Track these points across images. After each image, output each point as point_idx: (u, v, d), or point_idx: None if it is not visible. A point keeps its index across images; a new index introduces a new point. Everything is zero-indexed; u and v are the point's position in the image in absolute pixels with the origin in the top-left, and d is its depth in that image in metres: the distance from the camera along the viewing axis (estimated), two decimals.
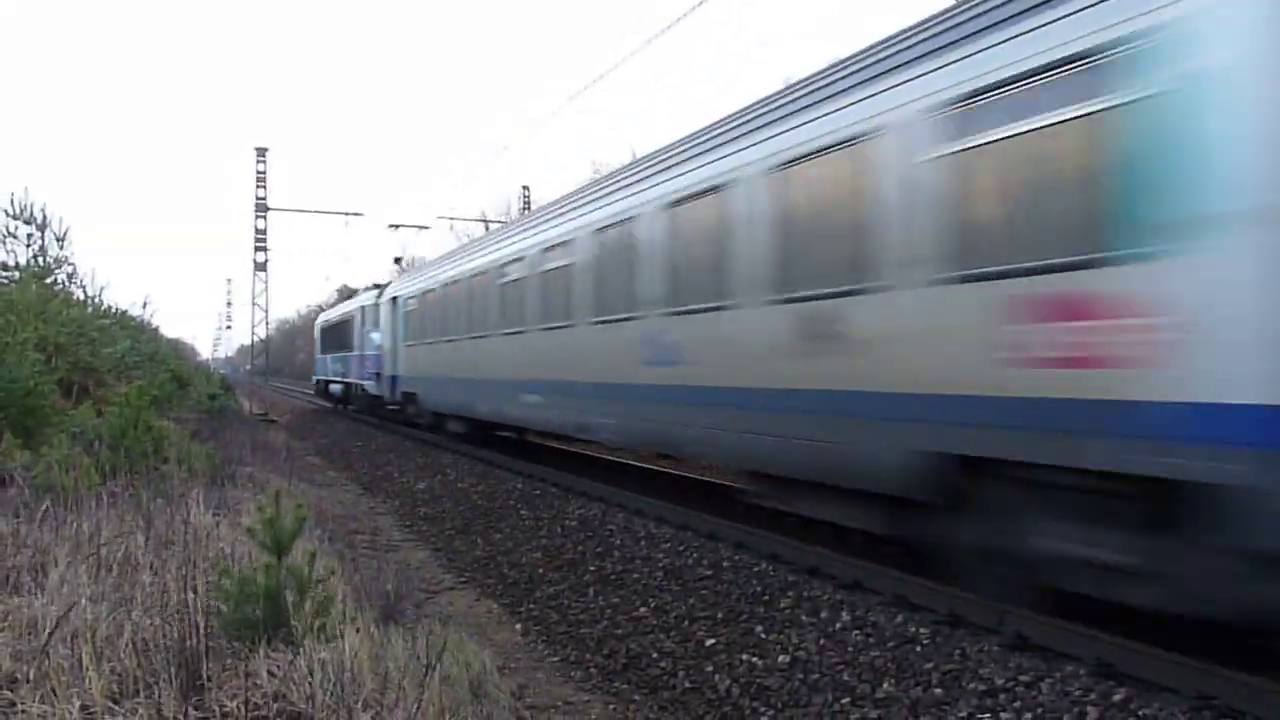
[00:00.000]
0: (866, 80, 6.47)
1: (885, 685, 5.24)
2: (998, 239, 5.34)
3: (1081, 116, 4.77)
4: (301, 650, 4.19)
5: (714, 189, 8.09)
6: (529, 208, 41.09)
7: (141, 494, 7.64)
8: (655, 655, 6.38)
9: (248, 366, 52.58)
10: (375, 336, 23.42)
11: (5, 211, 16.19)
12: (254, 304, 37.64)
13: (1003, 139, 5.25)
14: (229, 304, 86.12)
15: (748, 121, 7.99)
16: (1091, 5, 4.76)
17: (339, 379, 29.11)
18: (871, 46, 6.81)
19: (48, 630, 4.26)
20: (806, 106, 7.14)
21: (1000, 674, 4.99)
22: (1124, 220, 4.57)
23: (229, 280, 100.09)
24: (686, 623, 6.78)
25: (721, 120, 8.65)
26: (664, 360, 8.88)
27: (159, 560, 5.60)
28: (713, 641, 6.35)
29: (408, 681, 3.99)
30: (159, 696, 3.74)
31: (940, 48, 5.82)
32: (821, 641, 5.96)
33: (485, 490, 12.97)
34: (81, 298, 18.66)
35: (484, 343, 14.90)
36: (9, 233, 16.24)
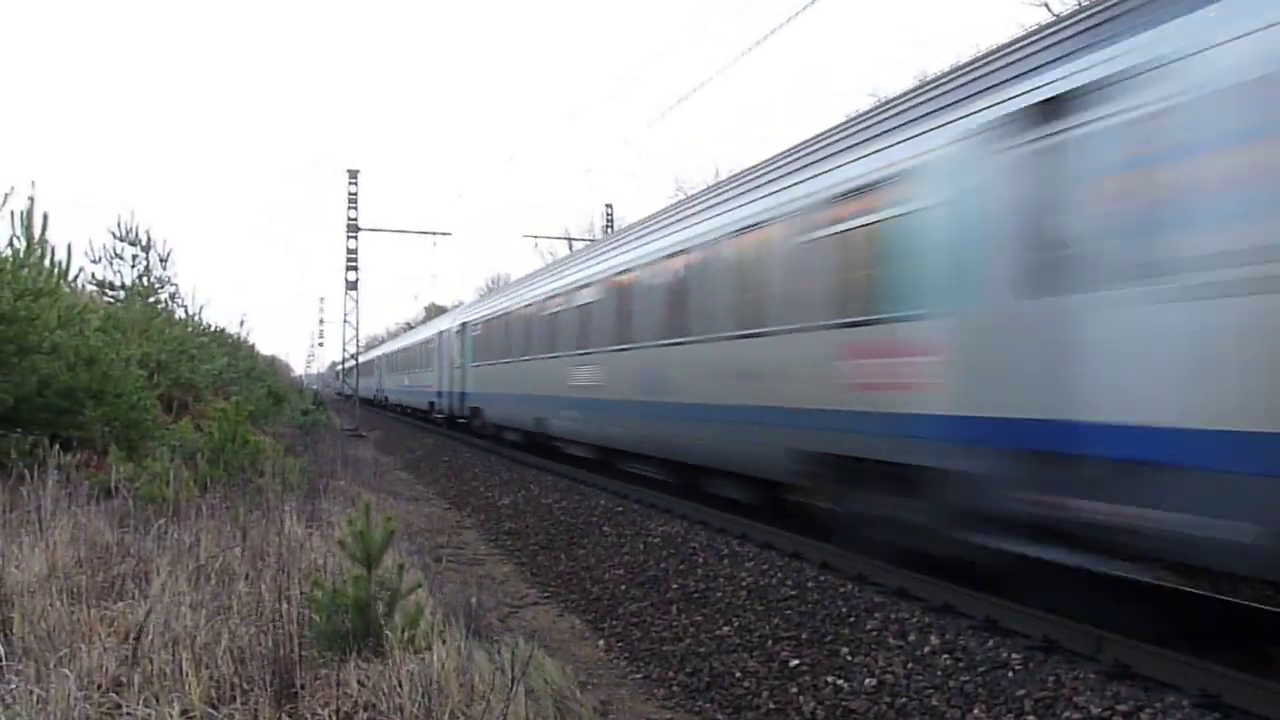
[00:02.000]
0: (757, 186, 9.04)
1: (975, 711, 5.11)
2: (834, 302, 7.52)
3: (867, 225, 7.01)
4: (390, 661, 4.29)
5: (678, 253, 10.78)
6: (612, 226, 41.55)
7: (238, 506, 7.89)
8: (738, 675, 6.34)
9: (338, 382, 54.13)
10: (448, 358, 26.09)
11: (112, 234, 17.01)
12: (345, 321, 38.62)
13: (832, 234, 7.48)
14: (321, 322, 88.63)
15: (690, 208, 11.17)
16: (860, 158, 7.13)
17: (412, 393, 32.15)
18: (759, 164, 9.71)
19: (150, 636, 4.44)
20: (717, 204, 10.07)
21: (1097, 702, 4.83)
22: (894, 294, 6.68)
23: (322, 299, 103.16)
24: (770, 643, 6.72)
25: (672, 206, 12.37)
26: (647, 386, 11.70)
27: (255, 570, 5.78)
28: (797, 662, 6.29)
29: (493, 695, 4.04)
30: (254, 703, 3.86)
31: (804, 166, 8.27)
32: (909, 665, 5.85)
33: (569, 506, 13.07)
34: (182, 316, 19.46)
35: (529, 365, 17.51)
36: (115, 254, 17.04)
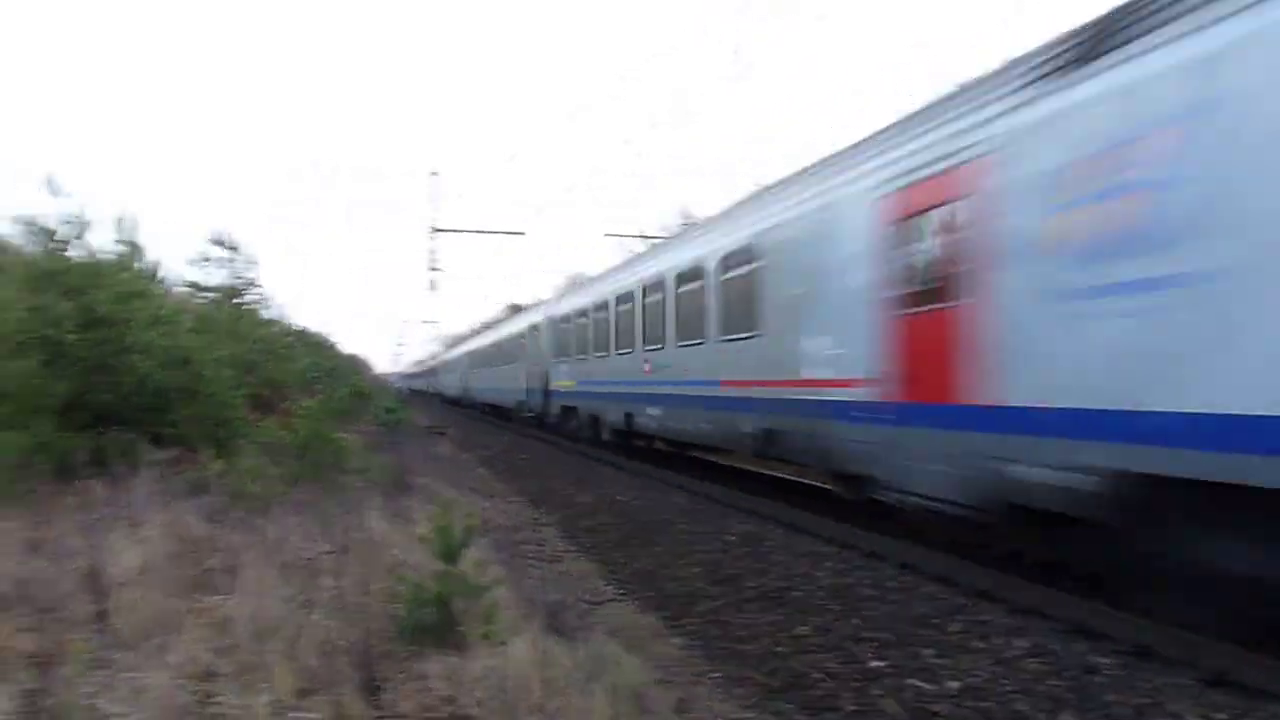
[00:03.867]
0: (691, 242, 13.26)
1: (1064, 717, 4.98)
2: (734, 322, 11.13)
3: (746, 274, 10.27)
4: (471, 656, 4.34)
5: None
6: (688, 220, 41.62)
7: (324, 502, 8.08)
8: (818, 676, 6.27)
9: (419, 381, 55.24)
10: (528, 352, 26.92)
11: (204, 237, 17.66)
12: (426, 321, 39.35)
13: (725, 280, 11.03)
14: (403, 321, 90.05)
15: (649, 253, 16.81)
16: (738, 233, 10.74)
17: (495, 389, 33.13)
18: (683, 230, 16.49)
19: (239, 628, 4.57)
20: (664, 253, 15.08)
21: (1193, 711, 4.66)
22: (759, 318, 10.26)
23: (402, 300, 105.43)
24: (850, 644, 6.64)
25: (636, 255, 18.71)
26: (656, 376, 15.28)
27: (339, 565, 5.91)
28: (878, 664, 6.20)
29: (572, 691, 4.07)
30: (340, 695, 3.94)
31: (724, 233, 12.13)
32: (995, 668, 5.73)
33: (645, 504, 13.08)
34: (269, 317, 20.01)
35: (591, 361, 19.53)
36: (207, 256, 17.63)
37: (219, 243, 17.69)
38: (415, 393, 55.42)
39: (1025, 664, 5.69)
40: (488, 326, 28.80)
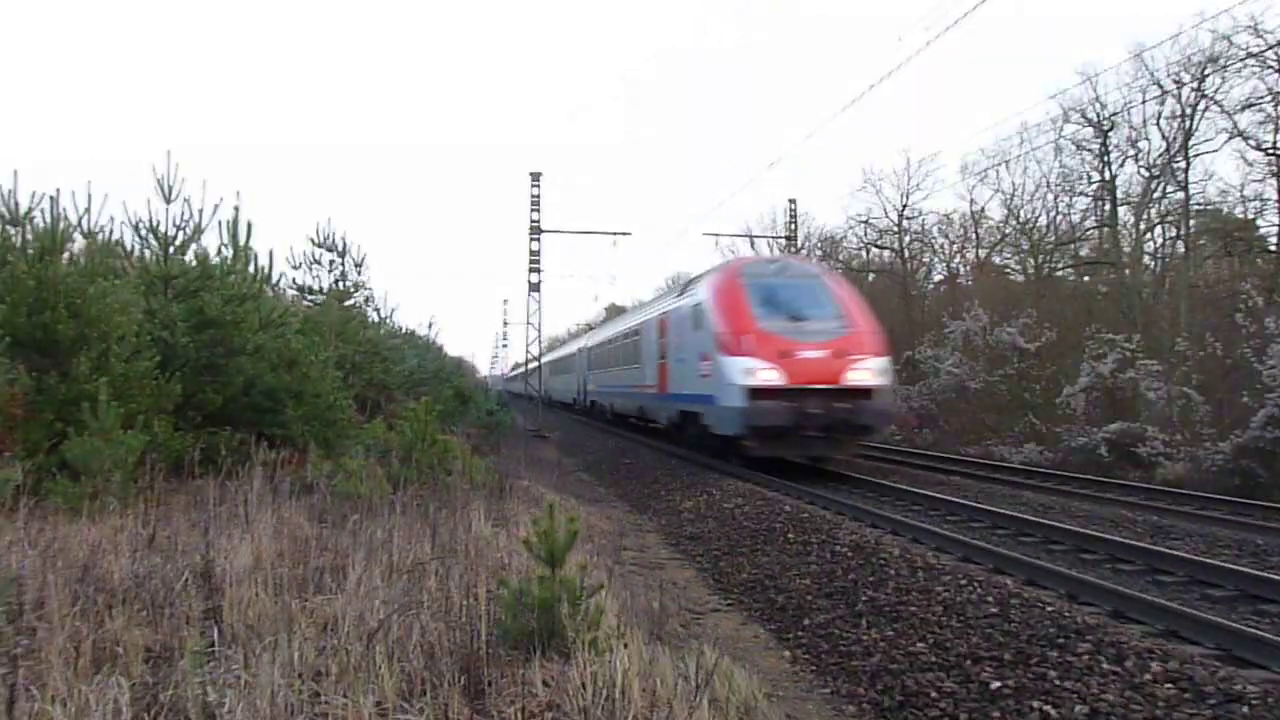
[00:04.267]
0: (620, 322, 26.81)
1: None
2: (624, 360, 24.27)
3: (632, 340, 22.45)
4: (574, 662, 4.34)
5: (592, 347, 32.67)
6: (794, 221, 41.27)
7: (428, 504, 8.22)
8: (934, 695, 6.10)
9: (516, 384, 57.03)
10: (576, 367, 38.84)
11: (311, 240, 18.09)
12: (528, 323, 39.78)
13: (626, 342, 23.30)
14: (505, 323, 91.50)
15: (607, 323, 33.41)
16: (630, 322, 24.02)
17: (562, 391, 44.54)
18: (600, 322, 37.55)
19: (346, 628, 4.67)
20: (610, 326, 31.51)
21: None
22: (637, 361, 22.30)
23: (505, 300, 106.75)
24: (969, 662, 6.44)
25: (586, 329, 40.64)
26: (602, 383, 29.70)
27: (444, 567, 6.00)
28: (999, 685, 5.99)
29: (677, 702, 4.03)
30: (444, 698, 3.99)
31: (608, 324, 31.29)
32: (1126, 693, 5.47)
33: (752, 511, 12.98)
34: (375, 319, 20.48)
35: (598, 374, 32.10)
36: (314, 259, 18.11)
37: (326, 245, 18.20)
38: (515, 395, 57.59)
39: (1161, 689, 5.42)
40: (556, 347, 34.40)
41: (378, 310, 20.73)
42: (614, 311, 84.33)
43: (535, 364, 42.68)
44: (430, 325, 28.47)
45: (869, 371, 15.15)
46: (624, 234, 38.34)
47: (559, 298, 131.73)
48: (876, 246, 43.53)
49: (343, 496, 8.38)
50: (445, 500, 8.70)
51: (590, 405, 32.71)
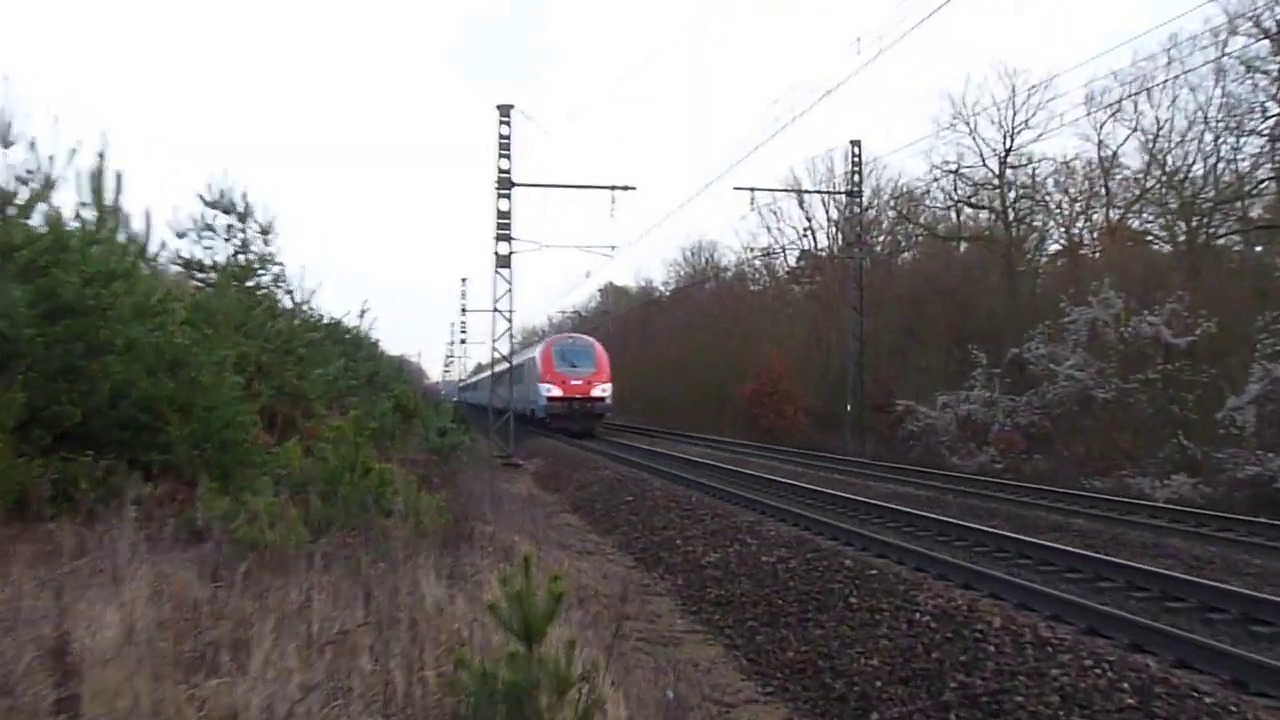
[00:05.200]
0: (508, 360, 44.67)
1: None
2: (514, 383, 46.39)
3: (519, 371, 47.29)
4: None
5: (484, 378, 63.28)
6: (858, 170, 41.34)
7: (360, 555, 8.23)
8: None
9: (483, 393, 63.36)
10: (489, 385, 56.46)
11: (201, 198, 17.83)
12: (494, 309, 39.81)
13: (512, 371, 45.14)
14: (464, 310, 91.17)
15: (490, 365, 57.16)
16: (508, 364, 44.82)
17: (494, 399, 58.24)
18: (494, 361, 51.96)
19: None
20: (493, 365, 55.35)
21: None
22: (519, 384, 48.10)
23: (464, 280, 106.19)
24: None
25: (489, 363, 60.33)
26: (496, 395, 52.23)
27: (381, 641, 6.01)
28: None
29: None
30: None
31: (493, 367, 52.85)
32: None
33: (799, 566, 12.99)
34: (289, 305, 20.33)
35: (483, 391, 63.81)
36: (205, 224, 17.87)
37: (223, 205, 18.05)
38: (475, 408, 62.81)
39: None
40: (498, 362, 45.81)
41: (291, 293, 20.55)
42: (612, 292, 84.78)
43: (504, 364, 42.83)
44: (362, 314, 28.09)
45: (602, 390, 46.93)
46: (625, 189, 38.44)
47: (540, 277, 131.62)
48: (970, 205, 43.68)
49: (245, 546, 8.38)
50: (383, 551, 8.71)
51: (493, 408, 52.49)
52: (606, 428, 51.09)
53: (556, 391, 45.60)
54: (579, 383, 46.38)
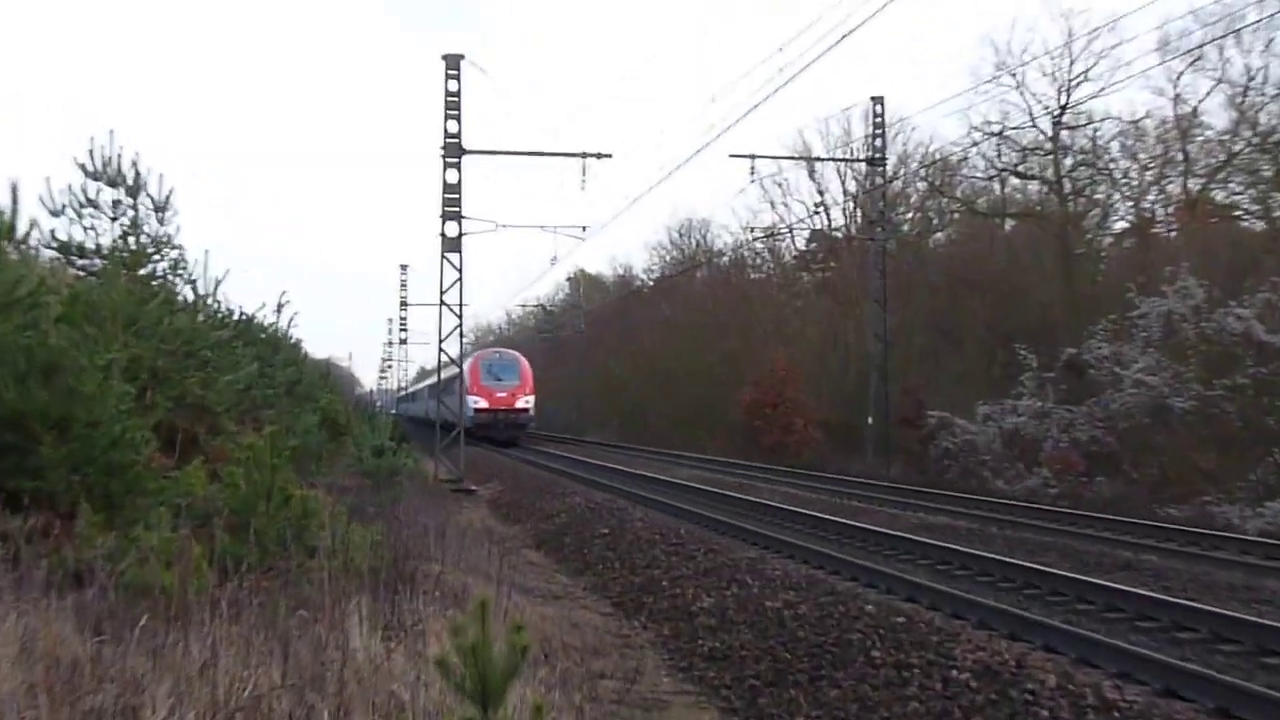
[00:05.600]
0: (439, 373, 51.34)
1: None
2: (445, 395, 53.56)
3: (450, 383, 52.25)
4: None
5: (431, 385, 68.72)
6: (881, 131, 41.35)
7: (277, 602, 8.19)
8: None
9: (417, 405, 68.35)
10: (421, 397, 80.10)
11: (82, 168, 17.66)
12: (441, 302, 39.77)
13: (443, 384, 50.84)
14: (404, 303, 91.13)
15: (429, 373, 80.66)
16: (438, 377, 53.10)
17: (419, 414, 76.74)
18: (434, 368, 63.28)
19: None
20: (428, 376, 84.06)
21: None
22: (454, 396, 53.61)
23: (404, 268, 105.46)
24: None
25: (429, 369, 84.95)
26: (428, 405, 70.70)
27: (303, 707, 5.98)
28: None
29: None
30: None
31: (431, 375, 71.98)
32: None
33: (812, 613, 12.99)
34: (190, 298, 20.20)
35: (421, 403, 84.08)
36: (87, 199, 17.69)
37: (109, 178, 17.90)
38: (417, 422, 73.94)
39: None
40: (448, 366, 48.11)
41: (194, 283, 20.41)
42: (582, 280, 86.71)
43: (453, 369, 42.78)
44: (280, 308, 27.69)
45: (525, 402, 62.53)
46: (599, 156, 38.47)
47: (497, 264, 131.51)
48: (1017, 175, 43.73)
49: (136, 591, 8.34)
50: (305, 597, 8.67)
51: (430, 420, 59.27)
52: (578, 446, 59.52)
53: (483, 404, 57.78)
54: (504, 395, 60.01)
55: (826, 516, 21.72)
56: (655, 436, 58.63)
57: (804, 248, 59.06)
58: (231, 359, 20.04)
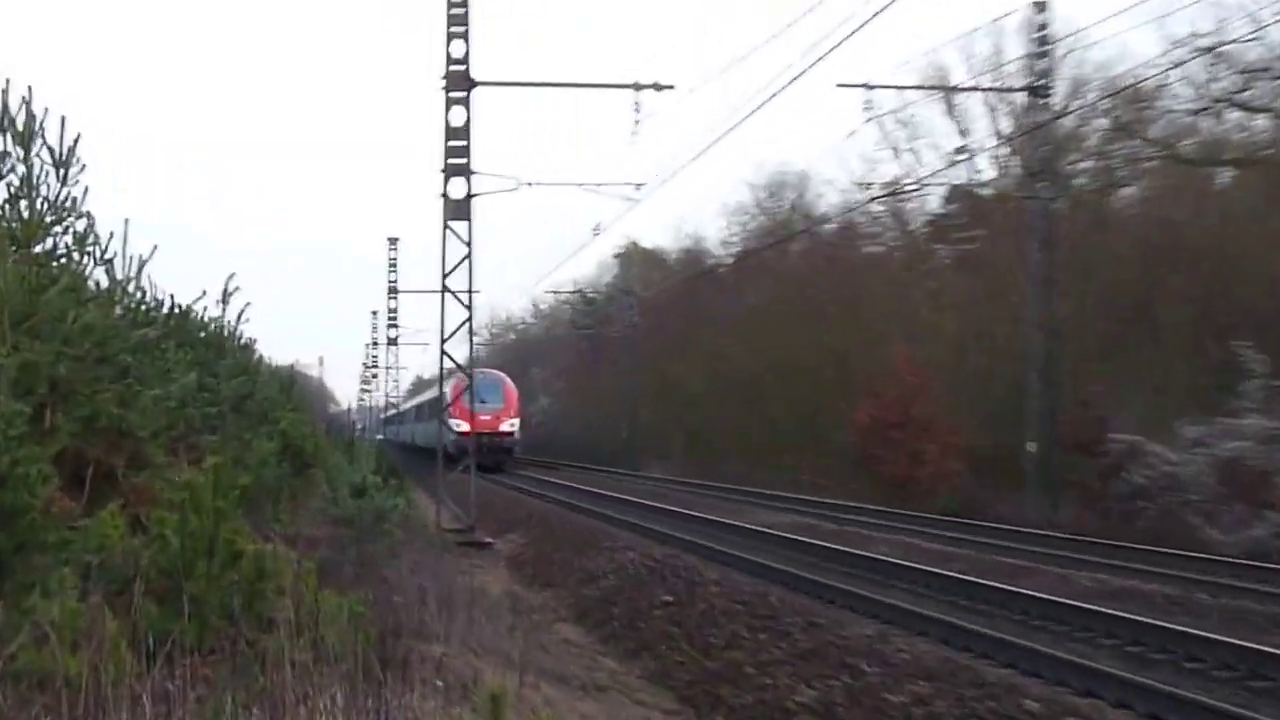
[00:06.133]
0: (424, 392, 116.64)
1: None
2: (427, 414, 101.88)
3: (432, 404, 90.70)
4: None
5: (417, 404, 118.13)
6: (1045, 47, 41.20)
7: (223, 695, 8.26)
8: None
9: (418, 426, 70.76)
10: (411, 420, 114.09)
11: None
12: (443, 288, 39.48)
13: (426, 406, 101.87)
14: (393, 290, 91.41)
15: (418, 392, 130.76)
16: (425, 397, 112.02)
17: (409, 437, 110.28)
18: (424, 383, 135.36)
19: None
20: (419, 393, 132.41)
21: None
22: (432, 415, 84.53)
23: (392, 241, 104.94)
24: None
25: (417, 387, 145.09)
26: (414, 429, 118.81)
27: None
28: None
29: None
30: None
31: (421, 394, 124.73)
32: None
33: (951, 712, 13.02)
34: (105, 283, 20.30)
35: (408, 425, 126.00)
36: None
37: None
38: (408, 450, 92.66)
39: None
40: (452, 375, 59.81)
41: (109, 264, 20.56)
42: (635, 256, 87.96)
43: (456, 378, 42.89)
44: (227, 297, 27.46)
45: (510, 425, 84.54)
46: (657, 88, 38.32)
47: (518, 239, 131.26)
48: (1239, 105, 43.19)
49: (31, 682, 8.42)
50: (259, 689, 8.74)
51: (412, 443, 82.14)
52: (629, 480, 65.24)
53: (465, 427, 63.52)
54: (488, 418, 72.57)
55: (971, 578, 21.67)
56: (734, 466, 58.23)
57: (939, 210, 58.39)
58: (160, 366, 20.17)
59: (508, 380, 79.20)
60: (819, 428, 50.44)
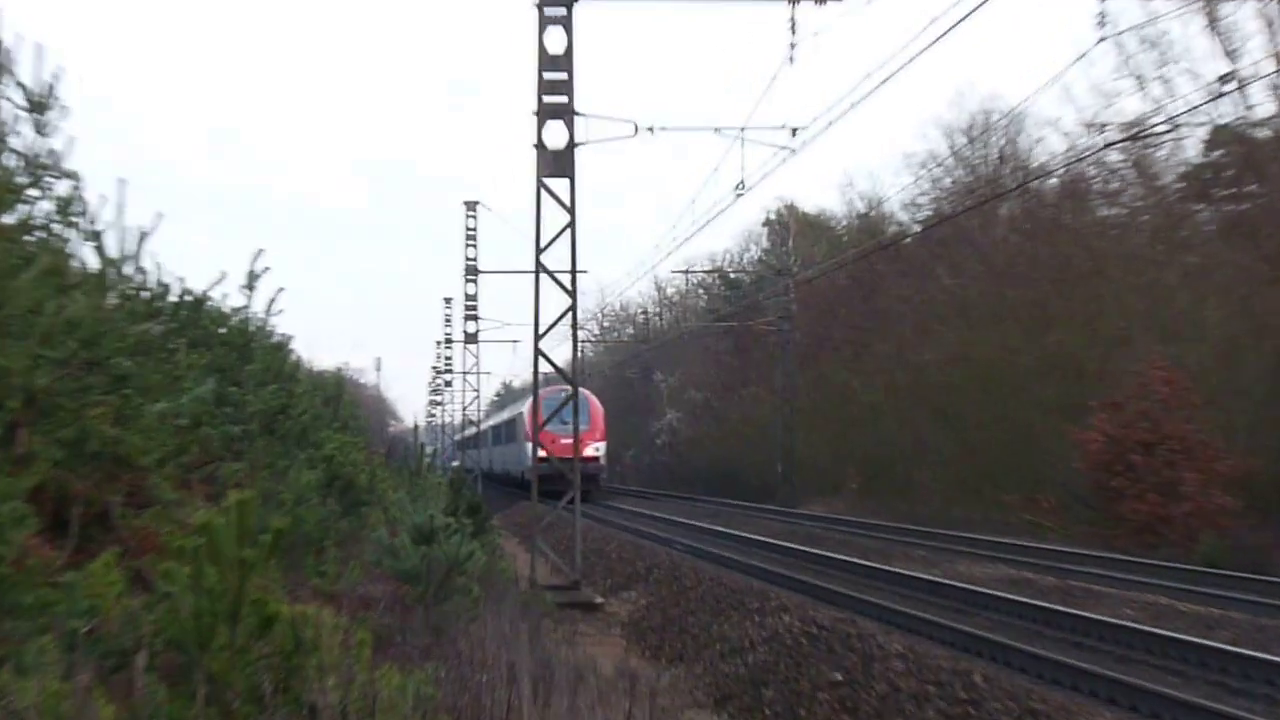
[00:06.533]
0: (501, 413, 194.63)
1: None
2: (504, 436, 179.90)
3: (502, 424, 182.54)
4: None
5: (494, 424, 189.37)
6: None
7: None
8: None
9: (513, 449, 71.00)
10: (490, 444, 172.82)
11: None
12: (538, 267, 39.10)
13: (497, 424, 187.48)
14: (471, 271, 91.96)
15: (491, 415, 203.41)
16: (501, 417, 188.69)
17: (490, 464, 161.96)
18: (497, 408, 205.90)
19: None
20: (491, 415, 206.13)
21: None
22: (509, 437, 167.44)
23: (470, 206, 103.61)
24: None
25: (485, 414, 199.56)
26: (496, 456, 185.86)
27: None
28: None
29: None
30: None
31: (497, 414, 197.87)
32: None
33: None
34: (95, 264, 20.38)
35: (485, 449, 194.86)
36: None
37: None
38: (489, 479, 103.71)
39: None
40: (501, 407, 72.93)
41: (99, 239, 20.67)
42: (792, 222, 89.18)
43: (557, 387, 43.17)
44: (250, 282, 27.25)
45: (595, 449, 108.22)
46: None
47: (637, 197, 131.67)
48: None
49: None
50: None
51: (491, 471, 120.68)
52: (785, 519, 69.80)
53: (543, 452, 65.21)
54: (569, 442, 66.81)
55: (1247, 651, 21.38)
56: (923, 503, 57.75)
57: (1200, 158, 56.91)
58: (168, 372, 20.22)
59: (593, 399, 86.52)
60: (1037, 453, 49.51)
